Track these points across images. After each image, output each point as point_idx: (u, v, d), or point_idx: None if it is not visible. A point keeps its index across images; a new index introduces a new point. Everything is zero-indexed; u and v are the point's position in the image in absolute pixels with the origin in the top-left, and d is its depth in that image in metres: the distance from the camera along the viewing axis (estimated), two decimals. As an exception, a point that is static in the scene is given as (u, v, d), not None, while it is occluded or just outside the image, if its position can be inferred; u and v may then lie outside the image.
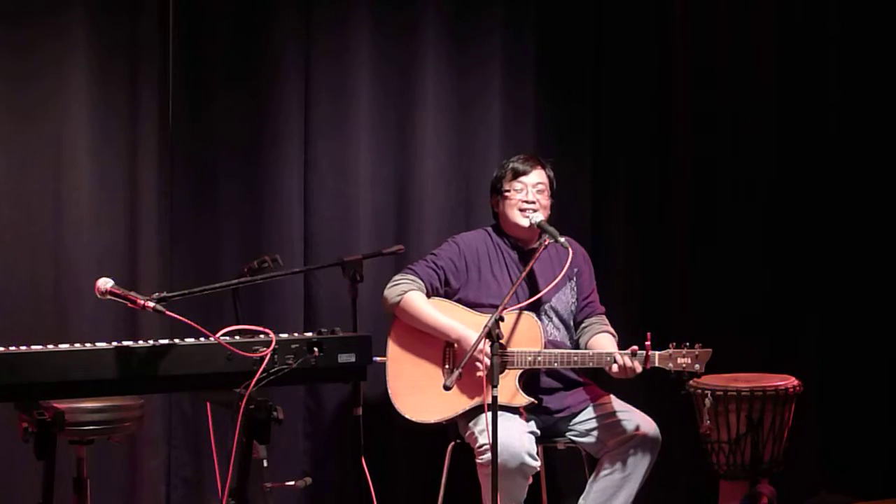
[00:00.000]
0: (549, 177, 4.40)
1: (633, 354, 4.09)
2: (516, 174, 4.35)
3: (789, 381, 4.63)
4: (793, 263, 5.47)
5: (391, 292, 4.26)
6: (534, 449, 4.06)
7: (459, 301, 4.29)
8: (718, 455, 4.64)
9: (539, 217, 4.30)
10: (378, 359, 4.09)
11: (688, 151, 5.35)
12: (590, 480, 4.24)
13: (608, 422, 4.25)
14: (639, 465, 4.18)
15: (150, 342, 3.17)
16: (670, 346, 4.12)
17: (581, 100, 5.22)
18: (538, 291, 4.25)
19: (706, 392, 4.55)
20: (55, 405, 3.18)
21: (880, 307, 5.50)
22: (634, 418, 4.23)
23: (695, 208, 5.37)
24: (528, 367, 4.15)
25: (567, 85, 5.18)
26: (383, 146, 4.85)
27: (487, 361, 3.95)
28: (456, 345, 4.18)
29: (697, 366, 4.14)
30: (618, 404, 4.30)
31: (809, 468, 5.37)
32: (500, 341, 3.71)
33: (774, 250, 5.46)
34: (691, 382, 4.60)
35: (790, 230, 5.47)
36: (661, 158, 5.32)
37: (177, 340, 3.20)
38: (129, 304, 3.18)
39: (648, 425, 4.22)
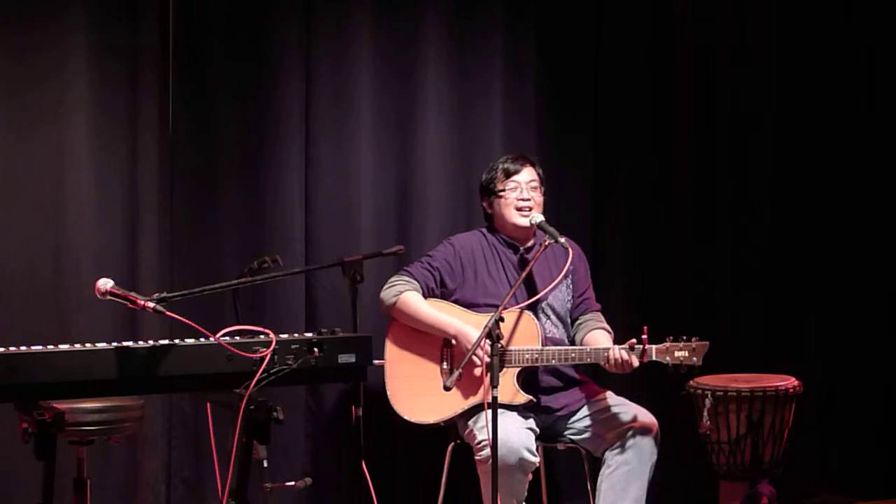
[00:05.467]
0: (539, 173, 4.41)
1: (631, 348, 4.09)
2: (508, 174, 4.35)
3: (789, 382, 4.63)
4: (793, 263, 5.47)
5: (387, 293, 4.26)
6: (532, 445, 4.06)
7: (456, 302, 4.29)
8: (718, 455, 4.64)
9: (539, 217, 4.30)
10: (376, 362, 4.08)
11: (688, 151, 5.35)
12: (598, 482, 4.20)
13: (605, 416, 4.25)
14: (642, 456, 4.15)
15: (150, 342, 3.17)
16: (667, 339, 4.11)
17: (581, 100, 5.22)
18: (535, 291, 4.25)
19: (706, 392, 4.55)
20: (55, 405, 3.19)
21: (880, 307, 5.50)
22: (630, 410, 4.23)
23: (695, 208, 5.37)
24: (525, 365, 4.15)
25: (568, 85, 5.18)
26: (384, 147, 4.85)
27: (485, 359, 3.96)
28: (454, 341, 4.18)
29: (695, 359, 4.12)
30: (614, 399, 4.31)
31: (809, 468, 5.36)
32: (501, 342, 3.71)
33: (774, 250, 5.45)
34: (691, 383, 4.60)
35: (790, 229, 5.46)
36: (661, 158, 5.32)
37: (177, 341, 3.21)
38: (129, 305, 3.18)
39: (644, 415, 4.21)
